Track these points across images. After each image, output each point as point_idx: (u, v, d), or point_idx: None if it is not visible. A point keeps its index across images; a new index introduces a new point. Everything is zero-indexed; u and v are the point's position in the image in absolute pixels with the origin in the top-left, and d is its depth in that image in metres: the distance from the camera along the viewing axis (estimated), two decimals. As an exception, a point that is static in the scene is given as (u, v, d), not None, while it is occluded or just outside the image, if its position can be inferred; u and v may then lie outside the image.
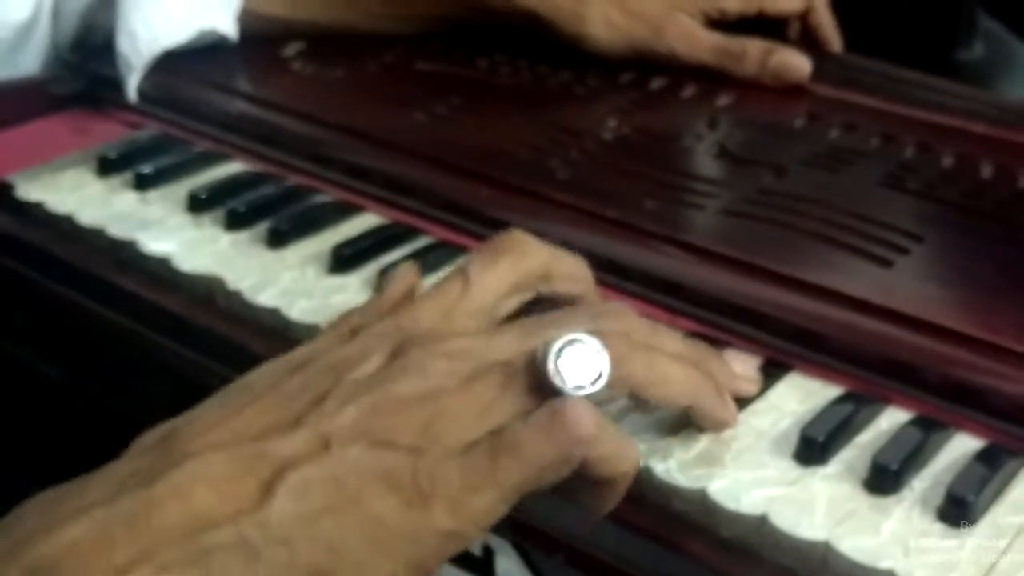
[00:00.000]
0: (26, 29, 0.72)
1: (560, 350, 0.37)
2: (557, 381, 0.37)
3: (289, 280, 0.55)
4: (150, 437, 0.36)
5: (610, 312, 0.41)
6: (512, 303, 0.42)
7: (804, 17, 0.75)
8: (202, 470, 0.33)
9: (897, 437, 0.43)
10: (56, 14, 0.73)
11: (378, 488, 0.34)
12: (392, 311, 0.41)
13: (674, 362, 0.41)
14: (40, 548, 0.32)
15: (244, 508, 0.33)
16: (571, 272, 0.44)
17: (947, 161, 0.59)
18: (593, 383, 0.37)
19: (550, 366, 0.37)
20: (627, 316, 0.41)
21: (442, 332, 0.39)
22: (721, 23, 0.72)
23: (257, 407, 0.36)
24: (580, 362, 0.37)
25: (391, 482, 0.34)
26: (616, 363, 0.38)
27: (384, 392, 0.36)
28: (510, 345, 0.38)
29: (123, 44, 0.70)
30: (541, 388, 0.37)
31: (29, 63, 0.73)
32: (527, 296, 0.43)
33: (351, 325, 0.41)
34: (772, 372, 0.47)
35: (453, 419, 0.36)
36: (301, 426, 0.35)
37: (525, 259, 0.43)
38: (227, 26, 0.74)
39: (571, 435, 0.35)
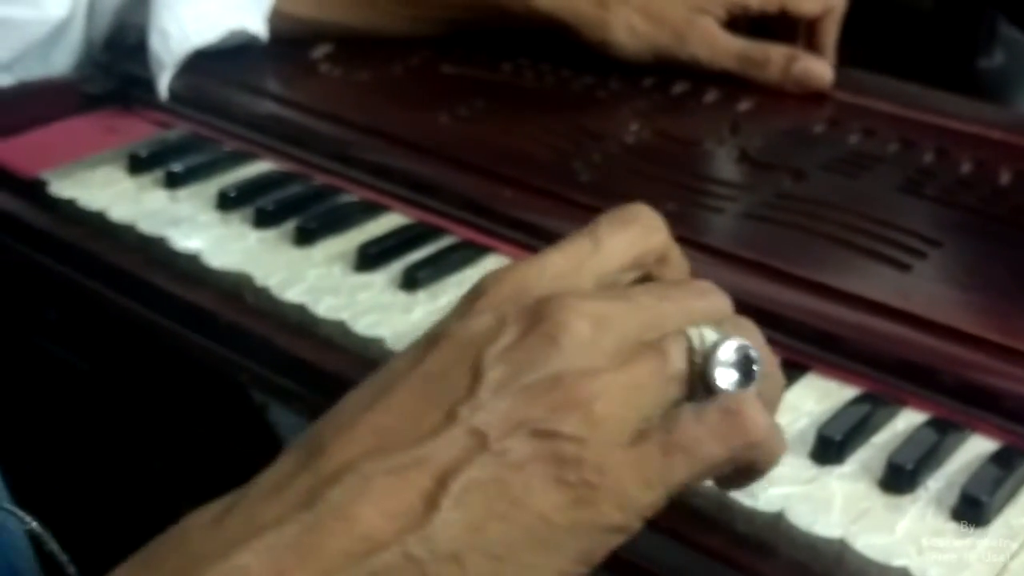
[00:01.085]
0: (63, 27, 0.73)
1: (722, 346, 0.36)
2: (720, 381, 0.35)
3: (316, 277, 0.56)
4: (298, 444, 0.34)
5: (739, 322, 0.38)
6: (629, 277, 0.40)
7: (812, 22, 0.74)
8: (361, 487, 0.32)
9: (913, 438, 0.44)
10: (91, 12, 0.74)
11: (543, 484, 0.33)
12: (513, 264, 0.38)
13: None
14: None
15: (408, 525, 0.32)
16: (682, 261, 0.42)
17: (965, 167, 0.60)
18: (745, 384, 0.36)
19: (717, 366, 0.35)
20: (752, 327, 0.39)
21: (574, 291, 0.36)
22: (737, 26, 0.72)
23: (398, 396, 0.34)
24: (734, 362, 0.36)
25: (557, 476, 0.33)
26: (761, 376, 0.36)
27: (534, 370, 0.34)
28: (657, 322, 0.36)
29: (155, 42, 0.71)
30: (693, 378, 0.36)
31: (62, 61, 0.74)
32: (640, 274, 0.41)
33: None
34: (789, 373, 0.47)
35: (610, 403, 0.34)
36: (454, 423, 0.33)
37: (652, 235, 0.40)
38: (257, 26, 0.75)
39: (747, 439, 0.35)
